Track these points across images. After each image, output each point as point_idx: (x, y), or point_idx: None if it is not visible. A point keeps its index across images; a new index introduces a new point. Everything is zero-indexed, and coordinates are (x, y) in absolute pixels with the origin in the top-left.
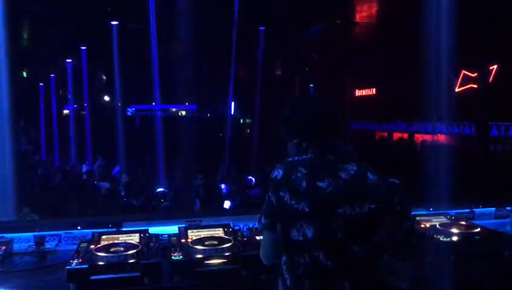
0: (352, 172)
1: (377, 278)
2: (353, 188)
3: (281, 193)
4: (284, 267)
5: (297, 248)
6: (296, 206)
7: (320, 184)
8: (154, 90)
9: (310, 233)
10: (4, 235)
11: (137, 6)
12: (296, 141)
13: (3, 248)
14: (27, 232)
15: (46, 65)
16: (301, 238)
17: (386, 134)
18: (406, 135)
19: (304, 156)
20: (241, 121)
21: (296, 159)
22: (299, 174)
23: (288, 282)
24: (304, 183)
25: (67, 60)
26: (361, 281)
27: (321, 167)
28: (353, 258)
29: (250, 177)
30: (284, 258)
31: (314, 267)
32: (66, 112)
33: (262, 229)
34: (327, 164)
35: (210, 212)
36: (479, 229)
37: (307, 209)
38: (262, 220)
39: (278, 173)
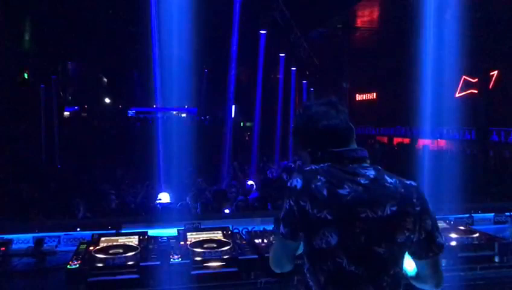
0: (371, 176)
1: (401, 282)
2: (373, 192)
3: (302, 203)
4: (308, 275)
5: (321, 255)
6: (318, 214)
7: (341, 191)
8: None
9: (333, 240)
10: (3, 236)
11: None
12: (309, 150)
13: (3, 248)
14: (26, 233)
15: (47, 66)
16: (324, 245)
17: (386, 139)
18: (406, 140)
19: (321, 165)
20: (242, 124)
21: (313, 167)
22: (319, 183)
23: (313, 289)
24: (325, 192)
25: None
26: (387, 284)
27: (340, 174)
28: (377, 261)
29: (249, 182)
30: (307, 266)
31: (338, 273)
32: (66, 113)
33: (280, 237)
34: (345, 170)
35: (209, 215)
36: (477, 235)
37: (329, 217)
38: (282, 230)
39: (297, 182)
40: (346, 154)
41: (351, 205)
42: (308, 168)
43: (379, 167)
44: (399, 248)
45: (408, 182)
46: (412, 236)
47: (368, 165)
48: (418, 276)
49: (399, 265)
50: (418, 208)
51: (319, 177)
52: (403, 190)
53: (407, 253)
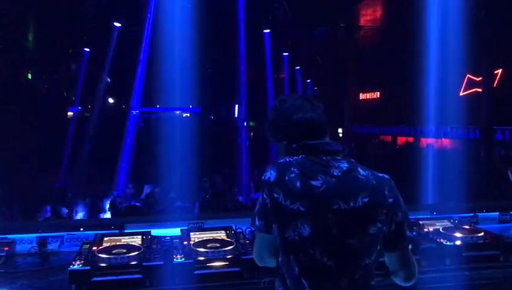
0: (344, 168)
1: (373, 274)
2: (346, 184)
3: (275, 194)
4: (283, 269)
5: (294, 247)
6: (291, 206)
7: (314, 183)
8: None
9: (305, 232)
10: (7, 236)
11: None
12: (285, 142)
13: (6, 248)
14: (30, 233)
15: (50, 66)
16: (297, 237)
17: (389, 138)
18: (410, 139)
19: (295, 157)
20: (245, 123)
21: (287, 160)
22: (292, 175)
23: (287, 282)
24: (298, 183)
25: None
26: (359, 275)
27: (313, 166)
28: (350, 253)
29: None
30: (280, 259)
31: (311, 265)
32: (70, 114)
33: (257, 231)
34: (319, 162)
35: (212, 214)
36: (482, 234)
37: (302, 209)
38: (256, 222)
39: (271, 174)
40: (320, 147)
41: (323, 196)
42: (282, 160)
43: (352, 160)
44: (371, 240)
45: (381, 175)
46: (383, 228)
47: (341, 158)
48: (390, 269)
49: (371, 257)
50: (390, 200)
51: (292, 169)
52: (375, 182)
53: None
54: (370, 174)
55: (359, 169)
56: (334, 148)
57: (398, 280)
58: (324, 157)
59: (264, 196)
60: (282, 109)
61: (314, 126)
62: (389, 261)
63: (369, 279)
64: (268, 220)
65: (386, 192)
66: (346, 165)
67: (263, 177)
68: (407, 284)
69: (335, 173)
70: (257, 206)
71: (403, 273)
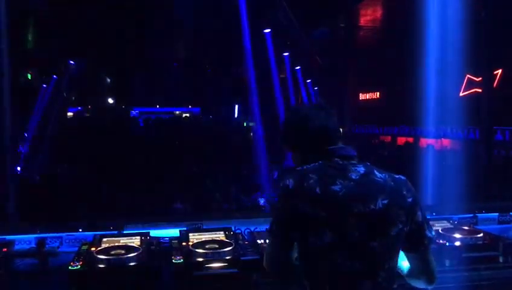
0: (361, 172)
1: (395, 277)
2: (365, 187)
3: (295, 201)
4: (303, 275)
5: (316, 253)
6: (311, 212)
7: (333, 187)
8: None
9: (327, 238)
10: (6, 237)
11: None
12: (300, 151)
13: (5, 249)
14: (29, 234)
15: (50, 66)
16: (319, 243)
17: (389, 138)
18: (410, 139)
19: (312, 164)
20: (244, 124)
21: (305, 167)
22: (311, 181)
23: (308, 289)
24: (318, 189)
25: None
26: (382, 278)
27: (331, 172)
28: (372, 256)
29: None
30: (302, 267)
31: (333, 271)
32: (70, 114)
33: (274, 238)
34: (336, 167)
35: (211, 215)
36: (482, 235)
37: (323, 214)
38: (274, 229)
39: (289, 182)
40: (336, 152)
41: (343, 200)
42: (299, 168)
43: (368, 163)
44: (392, 242)
45: (397, 176)
46: (404, 229)
47: (357, 162)
48: (411, 272)
49: (394, 260)
50: (409, 200)
51: (310, 175)
52: (392, 183)
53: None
54: (387, 176)
55: (376, 172)
56: (350, 152)
57: (419, 283)
58: (341, 162)
59: (283, 203)
60: (297, 118)
61: (330, 133)
62: (410, 263)
63: (392, 282)
64: (288, 227)
65: (405, 192)
66: (363, 168)
67: (282, 185)
68: (429, 287)
69: (353, 177)
70: (275, 214)
71: (426, 275)
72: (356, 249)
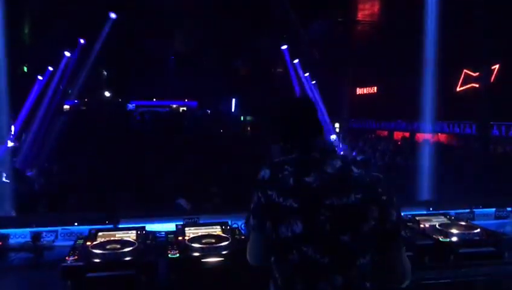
0: (337, 166)
1: (368, 274)
2: (339, 180)
3: (269, 192)
4: (274, 267)
5: (286, 244)
6: (284, 203)
7: (307, 179)
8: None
9: (298, 228)
10: (0, 230)
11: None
12: (282, 143)
13: (0, 243)
14: (24, 227)
15: (45, 58)
16: (289, 234)
17: (386, 133)
18: (407, 134)
19: (289, 156)
20: (242, 118)
21: (281, 159)
22: (286, 172)
23: (279, 281)
24: (291, 181)
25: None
26: (353, 274)
27: (307, 164)
28: (343, 250)
29: None
30: (273, 258)
31: (304, 263)
32: (66, 107)
33: (251, 230)
34: (312, 160)
35: (208, 209)
36: (478, 230)
37: (295, 205)
38: (251, 221)
39: (265, 173)
40: (314, 146)
41: (316, 192)
42: (276, 160)
43: (346, 158)
44: (364, 238)
45: (374, 174)
46: (377, 226)
47: (335, 156)
48: (384, 269)
49: (366, 257)
50: (383, 197)
51: (286, 167)
52: (368, 179)
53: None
54: (364, 172)
55: (352, 167)
56: (327, 146)
57: (392, 281)
58: (318, 156)
59: (259, 194)
60: (280, 111)
61: (310, 127)
62: (383, 261)
63: (365, 280)
64: (262, 218)
65: (380, 190)
66: (339, 162)
67: (258, 177)
68: (402, 285)
69: (328, 170)
70: (252, 205)
71: (397, 273)
72: (327, 242)
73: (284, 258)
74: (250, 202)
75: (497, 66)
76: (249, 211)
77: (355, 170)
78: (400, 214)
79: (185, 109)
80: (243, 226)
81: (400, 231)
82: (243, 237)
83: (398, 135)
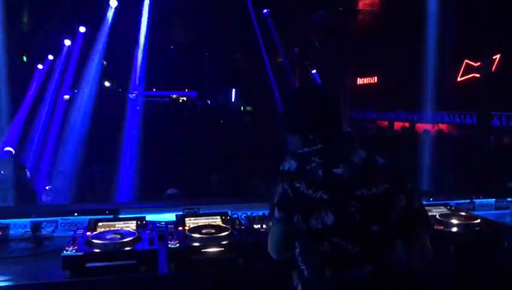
0: (363, 156)
1: (396, 262)
2: (367, 171)
3: (297, 184)
4: (300, 259)
5: (317, 236)
6: (313, 195)
7: (336, 171)
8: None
9: (329, 220)
10: (0, 220)
11: None
12: (299, 133)
13: None
14: (23, 218)
15: (45, 47)
16: (320, 226)
17: (386, 123)
18: (407, 124)
19: (314, 147)
20: (242, 108)
21: (306, 150)
22: (313, 164)
23: (305, 273)
24: (320, 172)
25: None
26: (382, 262)
27: (333, 155)
28: (373, 239)
29: None
30: (298, 250)
31: (334, 253)
32: (66, 97)
33: (276, 223)
34: (338, 151)
35: (208, 200)
36: (479, 220)
37: (325, 197)
38: (276, 214)
39: (291, 164)
40: (338, 136)
41: (346, 183)
42: (301, 151)
43: (367, 150)
44: (393, 226)
45: (397, 163)
46: (404, 214)
47: (357, 146)
48: (410, 257)
49: (394, 245)
50: (409, 185)
51: (313, 158)
52: (393, 169)
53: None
54: (388, 161)
55: (377, 157)
56: (351, 136)
57: (420, 263)
58: (342, 146)
59: (285, 186)
60: (298, 102)
61: (331, 117)
62: (407, 247)
63: (392, 266)
64: (290, 211)
65: (405, 178)
66: (364, 152)
67: (282, 168)
68: (425, 265)
69: (356, 161)
70: (276, 198)
71: (421, 258)
72: (357, 232)
73: (313, 249)
74: (274, 195)
75: (498, 56)
76: (272, 204)
77: (380, 159)
78: (421, 200)
79: (185, 98)
80: (243, 216)
81: (423, 217)
82: (243, 228)
83: (398, 125)
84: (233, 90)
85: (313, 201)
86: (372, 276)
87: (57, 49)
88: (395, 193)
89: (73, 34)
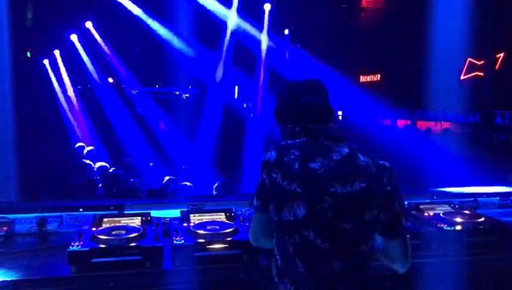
0: (344, 153)
1: (368, 258)
2: (345, 168)
3: (274, 175)
4: (275, 249)
5: (288, 228)
6: (288, 187)
7: (312, 165)
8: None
9: (300, 213)
10: (6, 215)
11: None
12: (289, 125)
13: (5, 228)
14: (29, 213)
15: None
16: (292, 218)
17: (389, 121)
18: (409, 122)
19: (297, 140)
20: (244, 105)
21: (289, 142)
22: (292, 157)
23: (279, 263)
24: (297, 165)
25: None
26: (353, 260)
27: (313, 149)
28: (343, 237)
29: None
30: (275, 240)
31: (304, 246)
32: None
33: (254, 211)
34: (319, 146)
35: (212, 196)
36: (483, 219)
37: (299, 190)
38: (254, 202)
39: (271, 155)
40: (322, 131)
41: (321, 179)
42: (283, 143)
43: (354, 147)
44: (366, 226)
45: (381, 163)
46: (380, 216)
47: (343, 144)
48: (386, 256)
49: (367, 245)
50: (388, 188)
51: (292, 151)
52: (374, 169)
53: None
54: (370, 161)
55: (359, 155)
56: (336, 133)
57: (393, 267)
58: (326, 142)
59: (264, 175)
60: (290, 92)
61: (319, 111)
62: (386, 248)
63: (365, 264)
64: (266, 200)
65: (385, 180)
66: (346, 150)
67: (263, 158)
68: (402, 271)
69: (334, 157)
70: (256, 187)
71: (400, 262)
72: (328, 228)
73: (285, 240)
74: (257, 184)
75: (502, 55)
76: (254, 193)
77: (361, 158)
78: (403, 204)
79: (187, 95)
80: (247, 213)
81: (401, 221)
82: (247, 224)
83: (400, 123)
84: (236, 87)
85: (286, 193)
86: (342, 273)
87: (61, 43)
88: (370, 193)
89: (79, 29)
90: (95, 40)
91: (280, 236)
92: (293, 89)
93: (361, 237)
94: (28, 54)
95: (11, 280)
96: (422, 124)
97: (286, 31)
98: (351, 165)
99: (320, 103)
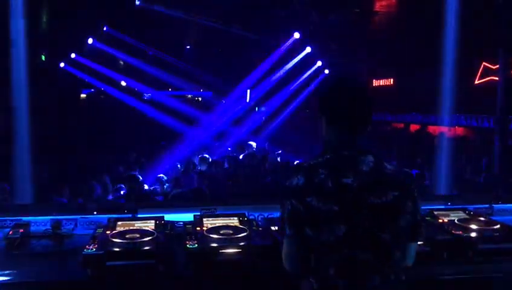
0: (370, 164)
1: (402, 266)
2: (376, 179)
3: (308, 199)
4: (312, 273)
5: (329, 248)
6: (324, 207)
7: (346, 180)
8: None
9: (340, 231)
10: (22, 218)
11: None
12: (337, 125)
13: (21, 230)
14: (44, 215)
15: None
16: (332, 238)
17: (402, 125)
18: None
19: (319, 159)
20: (256, 109)
21: (312, 162)
22: (322, 176)
23: (314, 286)
24: (330, 183)
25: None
26: (390, 271)
27: (341, 164)
28: (382, 246)
29: None
30: (312, 264)
31: (345, 264)
32: (83, 95)
33: (288, 238)
34: (345, 160)
35: (225, 200)
36: (498, 226)
37: (335, 208)
38: (287, 231)
39: (299, 179)
40: (345, 144)
41: (357, 192)
42: (306, 164)
43: (375, 154)
44: (400, 233)
45: (405, 170)
46: (410, 220)
47: (366, 152)
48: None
49: (401, 251)
50: (415, 194)
51: (320, 170)
52: (401, 176)
53: None
54: (395, 168)
55: (385, 164)
56: (358, 143)
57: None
58: (349, 154)
59: (294, 202)
60: (332, 88)
61: (350, 119)
62: (405, 251)
63: (400, 274)
64: (300, 226)
65: (412, 186)
66: (372, 159)
67: (290, 184)
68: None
69: (364, 169)
70: (285, 213)
71: (408, 260)
72: (368, 241)
73: (324, 262)
74: (282, 210)
75: None
76: (281, 220)
77: (388, 166)
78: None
79: (199, 99)
80: (260, 217)
81: (421, 226)
82: (260, 229)
83: (414, 127)
84: (248, 90)
85: (324, 214)
86: (381, 286)
87: (78, 47)
88: (403, 200)
89: (96, 32)
90: (111, 42)
91: (318, 258)
92: (336, 86)
93: (397, 243)
94: (43, 57)
95: (26, 282)
96: (435, 129)
97: (297, 34)
98: (381, 175)
99: (354, 109)
